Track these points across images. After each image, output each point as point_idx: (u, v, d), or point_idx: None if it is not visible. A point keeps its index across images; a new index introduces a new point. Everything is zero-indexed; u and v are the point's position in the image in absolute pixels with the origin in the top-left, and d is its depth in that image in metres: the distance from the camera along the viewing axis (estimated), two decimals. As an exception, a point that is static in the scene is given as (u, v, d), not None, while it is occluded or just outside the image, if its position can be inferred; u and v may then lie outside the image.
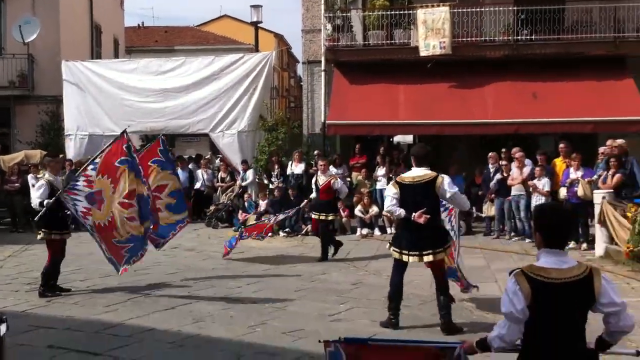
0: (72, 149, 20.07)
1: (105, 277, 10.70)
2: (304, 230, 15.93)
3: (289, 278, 10.82)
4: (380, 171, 17.23)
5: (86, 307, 8.74)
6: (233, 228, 17.58)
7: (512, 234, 14.89)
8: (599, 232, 12.43)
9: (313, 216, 13.12)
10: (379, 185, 17.16)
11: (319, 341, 4.23)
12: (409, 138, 24.54)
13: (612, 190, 12.27)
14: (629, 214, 10.94)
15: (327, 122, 18.20)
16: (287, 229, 16.25)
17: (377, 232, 15.93)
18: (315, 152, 18.12)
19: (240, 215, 17.23)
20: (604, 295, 3.89)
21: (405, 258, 7.71)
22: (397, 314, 7.82)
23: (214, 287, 9.98)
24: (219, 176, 19.48)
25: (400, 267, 7.87)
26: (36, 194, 9.57)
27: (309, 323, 7.90)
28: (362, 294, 9.56)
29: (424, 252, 7.59)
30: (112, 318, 8.09)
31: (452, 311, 7.72)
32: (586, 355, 4.02)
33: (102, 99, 20.20)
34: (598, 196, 12.37)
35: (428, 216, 7.44)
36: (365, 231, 15.86)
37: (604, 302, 3.89)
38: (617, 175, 12.30)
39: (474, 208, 15.29)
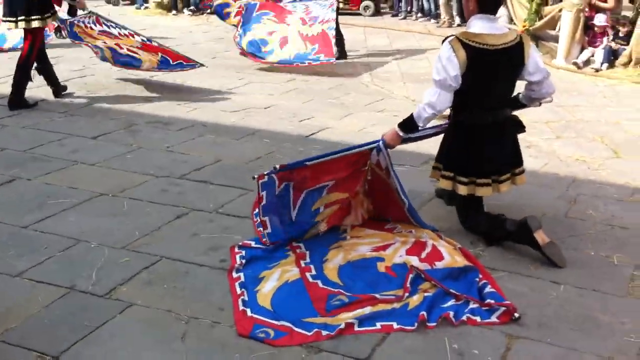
0: None
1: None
2: (208, 10, 15.49)
3: (190, 54, 10.66)
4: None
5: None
6: (135, 5, 16.92)
7: (419, 14, 14.94)
8: (500, 12, 12.57)
9: None
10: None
11: (253, 178, 4.00)
12: None
13: (516, -30, 12.25)
14: (528, -7, 11.06)
15: None
16: (192, 7, 15.80)
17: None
18: None
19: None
20: (532, 61, 3.96)
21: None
22: None
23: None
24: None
25: None
26: None
27: (206, 96, 7.96)
28: (263, 70, 9.58)
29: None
30: (2, 90, 7.87)
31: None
32: (512, 120, 4.21)
33: None
34: (502, -24, 12.36)
35: None
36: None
37: (531, 69, 3.97)
38: (522, -46, 12.24)
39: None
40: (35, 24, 7.01)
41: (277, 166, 4.05)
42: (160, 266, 3.85)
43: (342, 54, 10.41)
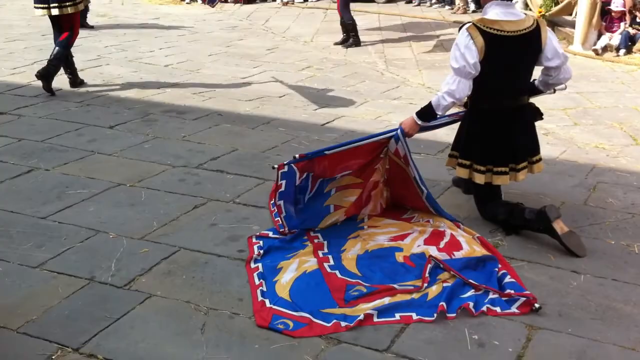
0: None
1: (11, 41, 10.34)
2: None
3: (204, 43, 10.68)
4: None
5: (-9, 70, 8.53)
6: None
7: (433, 1, 14.84)
8: (515, -2, 12.51)
9: None
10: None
11: (273, 167, 4.04)
12: None
13: (532, -45, 12.14)
14: (544, -21, 10.96)
15: None
16: (205, -5, 15.79)
17: (298, -1, 15.65)
18: None
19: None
20: (550, 47, 3.92)
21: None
22: None
23: (125, 51, 9.78)
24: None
25: None
26: None
27: (221, 85, 7.94)
28: (277, 58, 9.56)
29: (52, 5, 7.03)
30: (18, 80, 7.92)
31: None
32: (529, 107, 4.18)
33: None
34: (518, -38, 12.27)
35: None
36: (286, -2, 15.53)
37: (549, 54, 3.92)
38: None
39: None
40: (69, 10, 7.04)
41: (297, 156, 4.03)
42: (179, 257, 3.85)
43: (355, 41, 10.40)
